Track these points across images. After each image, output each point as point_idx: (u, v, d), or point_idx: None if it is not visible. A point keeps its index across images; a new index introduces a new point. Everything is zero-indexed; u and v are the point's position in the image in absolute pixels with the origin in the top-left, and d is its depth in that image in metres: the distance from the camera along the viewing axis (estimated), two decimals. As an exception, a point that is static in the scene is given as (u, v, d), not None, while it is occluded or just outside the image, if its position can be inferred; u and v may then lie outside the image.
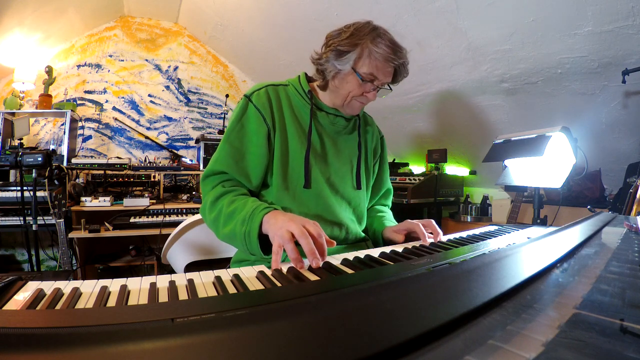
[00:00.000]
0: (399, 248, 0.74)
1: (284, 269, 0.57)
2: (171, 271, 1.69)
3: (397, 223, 0.98)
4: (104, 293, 0.43)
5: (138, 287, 0.46)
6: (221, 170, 0.85)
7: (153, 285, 0.46)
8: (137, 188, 2.88)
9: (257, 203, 0.76)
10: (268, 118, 0.87)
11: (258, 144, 0.86)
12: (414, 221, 0.86)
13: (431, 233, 0.84)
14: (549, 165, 1.35)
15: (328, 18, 2.16)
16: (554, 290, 0.33)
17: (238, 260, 0.92)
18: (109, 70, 3.25)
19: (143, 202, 2.54)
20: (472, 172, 2.81)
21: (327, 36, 0.89)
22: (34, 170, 2.04)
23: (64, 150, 2.79)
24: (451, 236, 0.87)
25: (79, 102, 3.13)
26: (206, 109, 3.62)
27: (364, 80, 0.84)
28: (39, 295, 0.42)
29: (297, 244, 0.62)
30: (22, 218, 2.18)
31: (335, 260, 0.62)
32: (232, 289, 0.47)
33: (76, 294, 0.43)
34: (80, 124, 3.11)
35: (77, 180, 2.70)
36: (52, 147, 2.91)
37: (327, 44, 0.88)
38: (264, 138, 0.86)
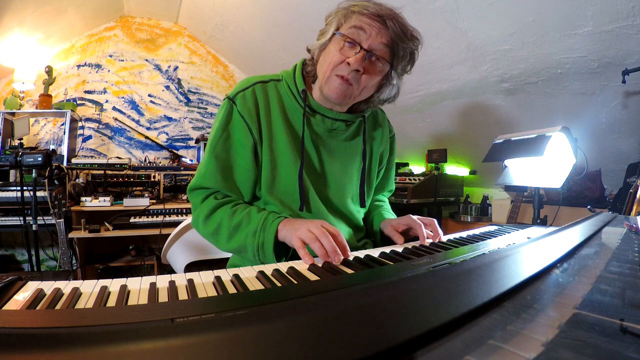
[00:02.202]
0: (399, 248, 0.74)
1: (284, 269, 0.57)
2: (171, 271, 1.69)
3: (395, 216, 0.96)
4: (104, 293, 0.43)
5: (138, 287, 0.46)
6: (209, 186, 0.79)
7: (153, 285, 0.46)
8: (137, 188, 2.88)
9: (264, 213, 0.74)
10: (254, 128, 0.77)
11: (244, 158, 0.78)
12: (416, 218, 0.81)
13: (431, 232, 0.82)
14: (549, 165, 1.35)
15: (328, 18, 2.16)
16: (554, 290, 0.33)
17: (232, 266, 0.89)
18: (109, 70, 3.25)
19: (143, 202, 2.54)
20: (472, 172, 2.81)
21: None
22: (34, 170, 2.04)
23: (64, 150, 2.80)
24: (451, 236, 0.87)
25: (79, 102, 3.13)
26: (206, 109, 3.62)
27: (344, 37, 0.70)
28: (39, 295, 0.42)
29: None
30: (22, 218, 2.18)
31: (335, 260, 0.62)
32: (232, 289, 0.47)
33: (76, 294, 0.43)
34: (80, 124, 3.11)
35: (77, 180, 2.70)
36: (52, 147, 2.92)
37: None
38: (250, 151, 0.78)
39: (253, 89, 0.80)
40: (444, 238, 0.84)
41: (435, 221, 0.83)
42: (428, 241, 0.80)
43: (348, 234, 0.89)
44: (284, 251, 0.73)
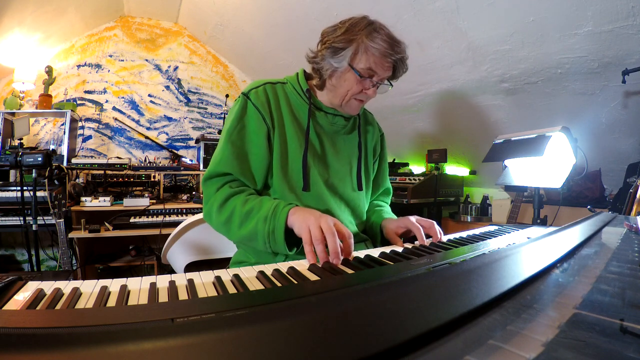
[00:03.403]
0: (399, 248, 0.74)
1: (284, 269, 0.57)
2: (171, 271, 1.69)
3: (395, 217, 0.98)
4: (104, 293, 0.43)
5: (138, 287, 0.46)
6: (225, 171, 0.82)
7: (153, 285, 0.46)
8: (137, 188, 2.88)
9: (275, 200, 0.76)
10: (267, 117, 0.85)
11: (259, 145, 0.84)
12: (414, 220, 0.84)
13: (430, 236, 0.83)
14: (549, 165, 1.35)
15: (328, 18, 2.15)
16: (554, 290, 0.33)
17: (237, 262, 0.91)
18: (109, 70, 3.25)
19: (143, 202, 2.54)
20: (472, 172, 2.81)
21: (322, 33, 0.87)
22: (34, 170, 2.04)
23: (64, 150, 2.80)
24: (451, 236, 0.87)
25: (79, 102, 3.13)
26: (206, 109, 3.62)
27: (362, 77, 0.82)
28: (39, 295, 0.42)
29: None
30: (22, 218, 2.18)
31: (335, 260, 0.62)
32: (232, 289, 0.47)
33: (76, 294, 0.43)
34: (80, 124, 3.11)
35: (77, 180, 2.70)
36: (52, 147, 2.92)
37: (322, 41, 0.86)
38: (264, 138, 0.85)
39: (264, 87, 0.89)
40: (444, 238, 0.84)
41: (435, 224, 0.83)
42: (427, 241, 0.80)
43: (348, 221, 0.93)
44: (295, 242, 0.73)
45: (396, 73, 0.87)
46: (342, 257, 0.60)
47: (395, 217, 0.99)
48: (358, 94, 0.86)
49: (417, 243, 0.80)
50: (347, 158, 0.96)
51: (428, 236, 0.83)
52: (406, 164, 3.17)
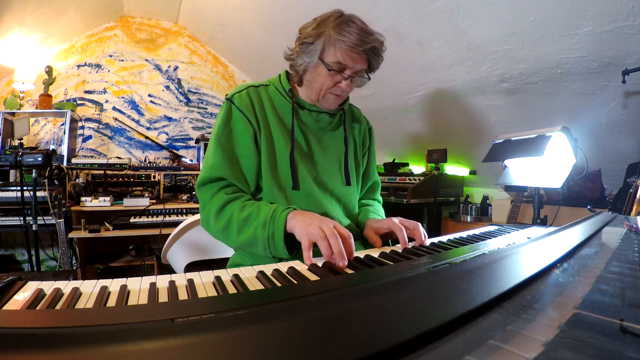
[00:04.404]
0: (399, 248, 0.74)
1: (284, 269, 0.57)
2: (171, 271, 1.69)
3: (381, 217, 0.97)
4: (104, 293, 0.43)
5: (138, 287, 0.46)
6: (218, 176, 0.82)
7: (153, 285, 0.46)
8: (137, 188, 2.88)
9: (273, 205, 0.76)
10: (252, 119, 0.86)
11: (247, 147, 0.85)
12: (397, 221, 0.81)
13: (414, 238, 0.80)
14: (549, 165, 1.35)
15: (328, 18, 2.16)
16: (554, 290, 0.33)
17: (234, 264, 0.90)
18: (109, 70, 3.25)
19: (143, 202, 2.55)
20: (472, 172, 2.81)
21: (299, 29, 0.88)
22: (34, 170, 2.04)
23: (64, 150, 2.80)
24: (451, 236, 0.87)
25: (79, 102, 3.13)
26: (206, 109, 3.62)
27: (332, 70, 0.81)
28: (39, 295, 0.42)
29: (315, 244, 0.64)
30: (22, 218, 2.18)
31: (335, 260, 0.62)
32: (232, 289, 0.47)
33: (76, 294, 0.43)
34: (80, 124, 3.11)
35: (77, 180, 2.70)
36: (52, 147, 2.92)
37: (298, 38, 0.86)
38: (251, 140, 0.85)
39: (247, 91, 0.90)
40: (444, 238, 0.84)
41: (420, 225, 0.81)
42: (409, 244, 0.78)
43: (341, 216, 0.93)
44: (295, 245, 0.73)
45: (371, 65, 0.85)
46: (346, 260, 0.60)
47: (383, 217, 0.98)
48: (332, 88, 0.85)
49: (398, 245, 0.78)
50: (335, 154, 0.95)
51: (412, 239, 0.81)
52: (406, 164, 3.17)
